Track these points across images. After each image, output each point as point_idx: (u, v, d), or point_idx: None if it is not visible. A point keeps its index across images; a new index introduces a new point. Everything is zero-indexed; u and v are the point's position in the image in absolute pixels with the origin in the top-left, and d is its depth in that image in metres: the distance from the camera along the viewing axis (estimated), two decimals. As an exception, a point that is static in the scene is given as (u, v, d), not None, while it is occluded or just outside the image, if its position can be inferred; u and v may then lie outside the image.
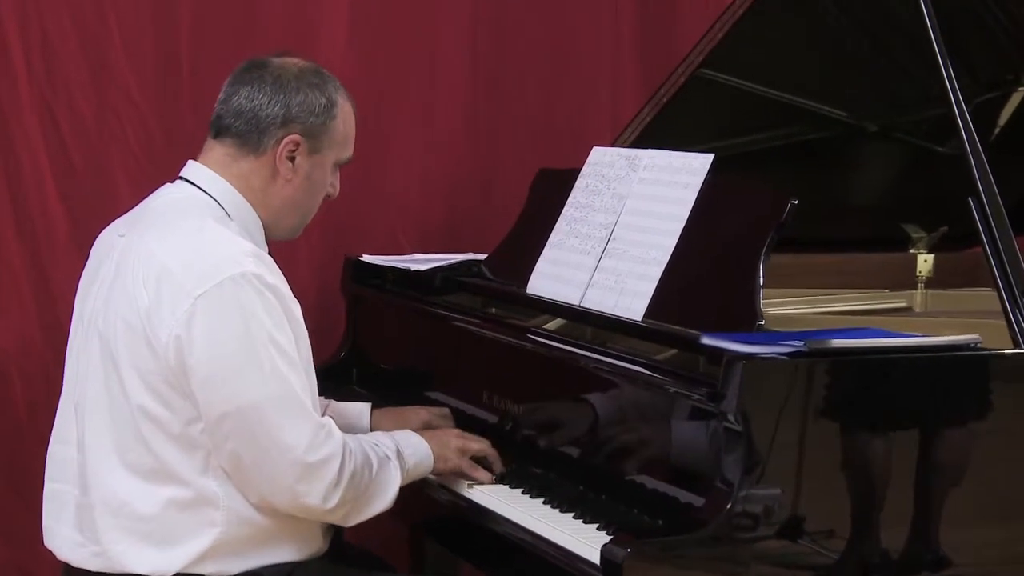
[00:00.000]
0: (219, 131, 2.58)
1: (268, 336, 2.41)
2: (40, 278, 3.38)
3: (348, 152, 2.65)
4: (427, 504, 2.81)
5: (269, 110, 2.54)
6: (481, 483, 2.69)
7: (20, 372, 3.37)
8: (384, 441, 2.61)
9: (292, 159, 2.56)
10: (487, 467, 2.73)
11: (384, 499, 2.56)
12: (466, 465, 2.71)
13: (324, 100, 2.57)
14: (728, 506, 2.27)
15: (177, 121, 3.49)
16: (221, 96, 2.59)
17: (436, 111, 3.83)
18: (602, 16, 4.00)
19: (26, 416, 3.34)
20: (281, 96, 2.55)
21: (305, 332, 2.51)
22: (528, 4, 3.93)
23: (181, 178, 2.61)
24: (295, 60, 2.61)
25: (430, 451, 2.66)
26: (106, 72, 3.45)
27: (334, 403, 2.92)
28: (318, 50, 3.63)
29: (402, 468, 2.59)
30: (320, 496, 2.45)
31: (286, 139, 2.55)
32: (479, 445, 2.74)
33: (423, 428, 2.81)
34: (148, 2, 3.50)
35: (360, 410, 2.91)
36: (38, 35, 3.38)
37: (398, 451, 2.60)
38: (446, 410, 2.94)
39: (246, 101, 2.55)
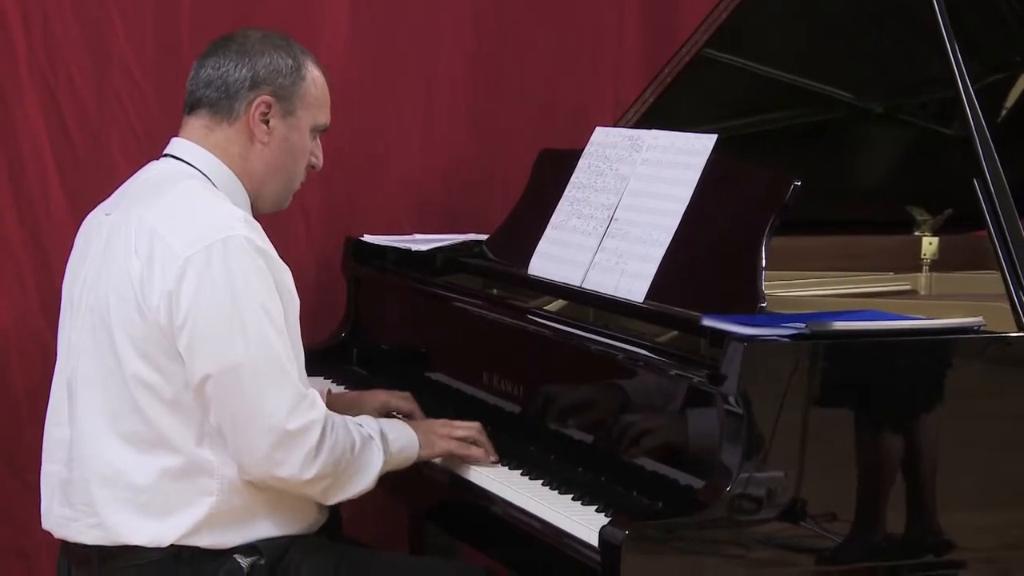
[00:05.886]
0: (192, 106, 2.59)
1: (256, 300, 2.40)
2: (41, 261, 3.37)
3: (324, 117, 2.64)
4: (426, 488, 2.80)
5: (236, 74, 2.54)
6: (477, 461, 2.67)
7: (20, 353, 3.36)
8: (368, 422, 2.59)
9: (266, 122, 2.56)
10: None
11: (365, 479, 2.53)
12: (455, 446, 2.68)
13: (290, 61, 2.57)
14: (727, 489, 2.26)
15: (179, 103, 3.39)
16: (190, 75, 2.60)
17: (438, 91, 3.81)
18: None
19: (25, 397, 3.33)
20: (247, 60, 2.55)
21: (296, 300, 2.50)
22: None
23: (165, 154, 2.61)
24: (258, 29, 2.61)
25: (415, 436, 2.63)
26: (107, 55, 3.43)
27: None
28: (320, 21, 3.61)
29: (385, 451, 2.56)
30: (297, 466, 2.42)
31: (257, 100, 2.54)
32: (464, 432, 2.70)
33: (382, 410, 2.80)
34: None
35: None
36: (39, 18, 3.36)
37: (382, 433, 2.58)
38: (407, 393, 2.89)
39: (213, 70, 2.56)
